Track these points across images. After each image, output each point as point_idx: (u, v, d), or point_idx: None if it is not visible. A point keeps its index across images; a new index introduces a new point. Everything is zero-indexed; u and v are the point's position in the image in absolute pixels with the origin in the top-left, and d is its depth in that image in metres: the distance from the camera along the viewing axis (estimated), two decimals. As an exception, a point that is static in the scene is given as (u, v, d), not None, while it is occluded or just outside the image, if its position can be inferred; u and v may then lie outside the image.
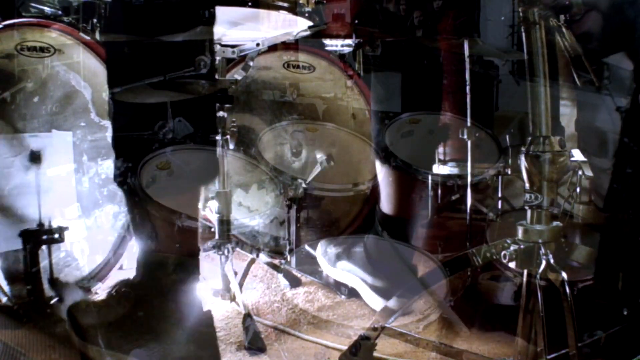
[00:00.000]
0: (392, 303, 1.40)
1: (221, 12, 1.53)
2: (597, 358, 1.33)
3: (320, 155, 2.08)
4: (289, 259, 2.01)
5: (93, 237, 1.84)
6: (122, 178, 1.44)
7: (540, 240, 1.20)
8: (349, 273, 1.85)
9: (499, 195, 2.08)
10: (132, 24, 1.39)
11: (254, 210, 2.16)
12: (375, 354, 1.38)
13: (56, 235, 1.66)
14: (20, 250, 1.62)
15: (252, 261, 1.98)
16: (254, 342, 1.51)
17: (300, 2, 1.86)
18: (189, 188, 1.56)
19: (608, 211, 1.60)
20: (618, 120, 1.64)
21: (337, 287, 1.89)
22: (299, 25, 1.89)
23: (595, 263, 1.43)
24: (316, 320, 1.71)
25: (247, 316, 1.58)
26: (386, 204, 1.89)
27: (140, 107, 1.40)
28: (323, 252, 1.97)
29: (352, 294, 1.86)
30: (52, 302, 1.64)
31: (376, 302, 1.75)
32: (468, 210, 1.86)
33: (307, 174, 2.08)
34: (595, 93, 1.69)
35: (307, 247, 2.05)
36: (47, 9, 2.14)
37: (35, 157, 1.72)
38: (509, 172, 2.04)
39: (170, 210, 1.45)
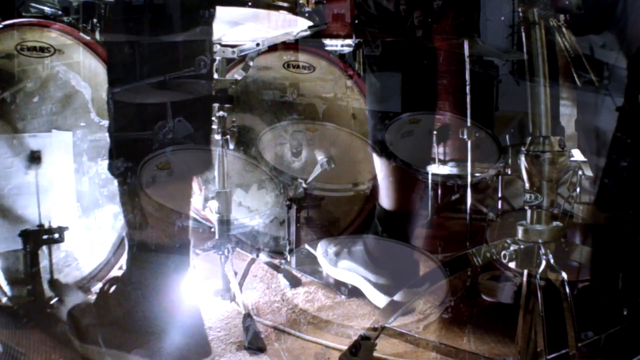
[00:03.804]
0: (397, 297, 1.40)
1: (221, 12, 1.53)
2: (597, 358, 1.33)
3: (321, 157, 2.08)
4: (289, 259, 2.01)
5: (93, 237, 1.84)
6: (122, 178, 1.44)
7: (540, 240, 1.20)
8: (351, 272, 1.85)
9: (499, 195, 2.08)
10: (132, 23, 1.39)
11: (254, 210, 2.16)
12: (375, 354, 1.38)
13: (56, 235, 1.66)
14: (20, 250, 1.62)
15: (252, 261, 1.98)
16: (254, 342, 1.51)
17: (300, 2, 1.86)
18: (188, 188, 1.56)
19: (604, 211, 1.60)
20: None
21: (337, 287, 1.89)
22: (299, 25, 1.89)
23: (595, 263, 1.43)
24: (316, 320, 1.72)
25: (247, 316, 1.58)
26: (386, 204, 1.89)
27: (140, 107, 1.40)
28: (324, 252, 1.97)
29: (352, 294, 1.86)
30: (52, 302, 1.64)
31: (380, 300, 1.75)
32: (468, 210, 1.86)
33: (307, 174, 2.08)
34: (595, 93, 1.69)
35: (307, 247, 2.05)
36: (47, 9, 2.14)
37: (35, 157, 1.72)
38: (509, 172, 2.04)
39: (170, 210, 1.45)
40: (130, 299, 1.39)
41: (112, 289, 1.44)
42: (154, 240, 1.45)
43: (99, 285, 1.80)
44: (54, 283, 1.68)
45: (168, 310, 1.38)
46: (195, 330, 1.41)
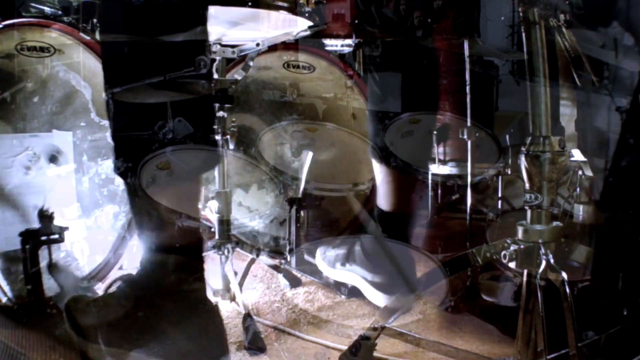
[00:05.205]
0: (392, 301, 1.40)
1: (221, 12, 1.53)
2: (597, 358, 1.33)
3: (308, 154, 2.07)
4: (289, 259, 2.00)
5: (93, 237, 1.84)
6: (122, 178, 1.44)
7: (540, 240, 1.20)
8: (349, 272, 1.85)
9: (499, 195, 2.08)
10: (132, 23, 1.39)
11: (254, 210, 2.16)
12: (375, 354, 1.38)
13: (56, 235, 1.66)
14: (20, 251, 1.62)
15: (252, 261, 1.98)
16: (254, 342, 1.51)
17: (300, 2, 1.86)
18: (189, 188, 1.57)
19: (605, 210, 1.60)
20: (618, 120, 1.64)
21: (337, 287, 1.89)
22: (299, 25, 1.89)
23: (595, 263, 1.43)
24: (316, 320, 1.72)
25: (247, 316, 1.58)
26: (386, 204, 1.89)
27: (140, 107, 1.40)
28: (322, 256, 1.97)
29: (352, 294, 1.86)
30: (52, 302, 1.64)
31: (377, 298, 1.76)
32: (468, 210, 1.86)
33: (308, 174, 2.08)
34: (595, 93, 1.69)
35: (306, 257, 2.05)
36: (47, 9, 2.14)
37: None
38: (509, 172, 2.04)
39: (170, 210, 1.45)
40: (133, 299, 1.39)
41: (121, 286, 1.45)
42: (156, 240, 1.45)
43: (99, 285, 1.80)
44: (53, 268, 1.68)
45: (177, 311, 1.39)
46: (213, 330, 1.41)
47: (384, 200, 1.87)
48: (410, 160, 1.85)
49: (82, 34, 1.85)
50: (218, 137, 1.76)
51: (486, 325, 1.61)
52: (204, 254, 1.80)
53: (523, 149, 1.21)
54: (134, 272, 1.56)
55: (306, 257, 2.04)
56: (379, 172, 1.88)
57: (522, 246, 1.21)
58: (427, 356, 1.44)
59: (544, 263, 1.18)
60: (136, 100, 1.41)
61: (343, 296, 1.87)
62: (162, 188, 1.43)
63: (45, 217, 1.64)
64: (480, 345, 1.52)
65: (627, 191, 1.57)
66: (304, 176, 2.02)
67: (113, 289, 1.49)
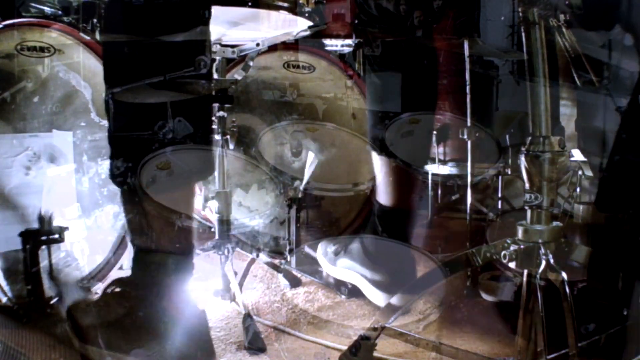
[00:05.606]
0: (395, 300, 1.40)
1: (221, 12, 1.53)
2: (597, 358, 1.33)
3: (312, 156, 2.07)
4: (289, 259, 2.01)
5: (93, 237, 1.84)
6: (122, 178, 1.44)
7: (540, 240, 1.20)
8: (349, 270, 1.85)
9: (499, 195, 2.08)
10: (132, 23, 1.39)
11: (254, 210, 2.16)
12: (375, 354, 1.38)
13: (56, 235, 1.66)
14: (20, 250, 1.62)
15: (252, 261, 1.98)
16: (254, 342, 1.51)
17: (300, 2, 1.86)
18: (189, 188, 1.57)
19: (604, 211, 1.60)
20: (618, 120, 1.64)
21: (337, 287, 1.89)
22: (299, 25, 1.89)
23: (594, 263, 1.43)
24: (316, 320, 1.72)
25: (247, 316, 1.58)
26: (384, 201, 1.89)
27: (140, 107, 1.41)
28: (323, 252, 1.97)
29: (352, 294, 1.86)
30: (52, 302, 1.64)
31: (377, 297, 1.76)
32: (468, 210, 1.86)
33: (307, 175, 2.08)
34: (595, 93, 1.69)
35: (307, 249, 2.05)
36: (47, 9, 2.14)
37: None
38: (509, 172, 2.04)
39: (170, 210, 1.45)
40: (131, 299, 1.39)
41: (116, 290, 1.45)
42: (155, 241, 1.45)
43: (99, 285, 1.80)
44: (54, 282, 1.68)
45: (171, 311, 1.39)
46: (199, 333, 1.41)
47: (383, 196, 1.87)
48: (410, 160, 1.85)
49: (82, 34, 1.85)
50: (218, 137, 1.76)
51: (486, 325, 1.61)
52: (203, 254, 1.81)
53: (523, 149, 1.21)
54: (125, 274, 1.57)
55: (307, 249, 2.04)
56: (380, 170, 1.88)
57: (522, 246, 1.21)
58: (427, 356, 1.44)
59: (544, 263, 1.18)
60: (136, 100, 1.41)
61: (343, 296, 1.87)
62: (162, 188, 1.43)
63: (44, 217, 1.64)
64: (480, 345, 1.52)
65: (627, 191, 1.57)
66: (306, 177, 2.02)
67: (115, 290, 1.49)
